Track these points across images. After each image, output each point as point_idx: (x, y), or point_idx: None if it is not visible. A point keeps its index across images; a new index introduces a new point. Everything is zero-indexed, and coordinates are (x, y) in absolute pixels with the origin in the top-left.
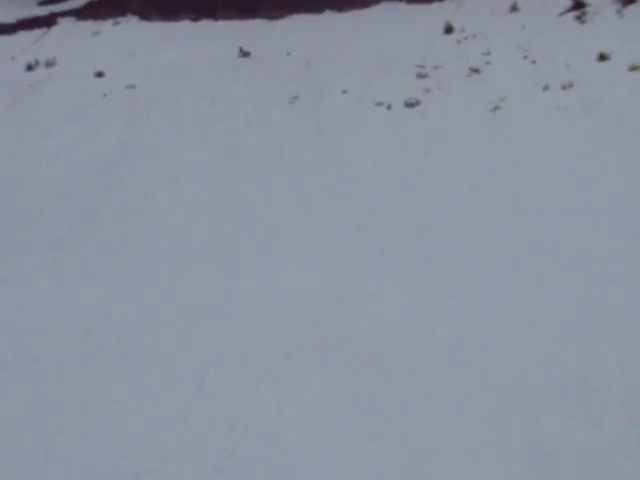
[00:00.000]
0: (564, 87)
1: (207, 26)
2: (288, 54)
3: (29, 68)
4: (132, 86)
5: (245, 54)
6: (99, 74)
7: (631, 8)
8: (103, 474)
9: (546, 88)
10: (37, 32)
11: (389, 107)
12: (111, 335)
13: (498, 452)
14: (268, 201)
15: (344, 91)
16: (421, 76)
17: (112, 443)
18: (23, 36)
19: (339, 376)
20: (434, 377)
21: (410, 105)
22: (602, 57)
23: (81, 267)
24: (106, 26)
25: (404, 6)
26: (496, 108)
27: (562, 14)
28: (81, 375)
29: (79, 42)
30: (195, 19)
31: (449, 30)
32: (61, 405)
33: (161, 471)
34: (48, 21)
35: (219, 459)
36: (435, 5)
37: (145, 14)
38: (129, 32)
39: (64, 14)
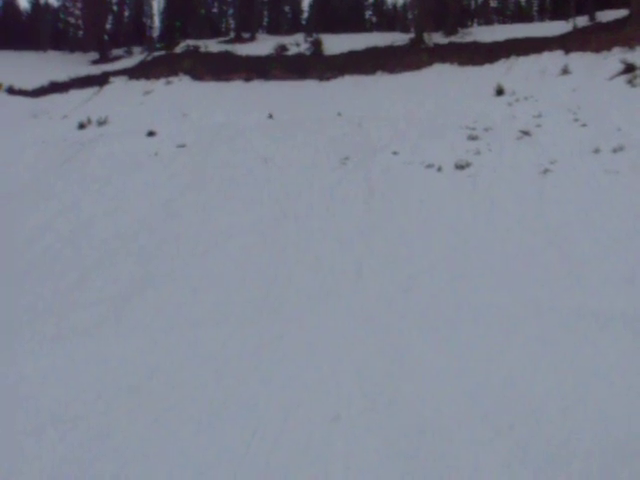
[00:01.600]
0: (614, 150)
1: (259, 86)
2: (339, 115)
3: (81, 126)
4: (183, 145)
5: (270, 117)
6: (151, 133)
7: None
8: None
9: (596, 151)
10: (89, 90)
11: (439, 169)
12: (157, 393)
13: None
14: (317, 263)
15: (395, 152)
16: (472, 138)
17: None
18: (76, 94)
19: (387, 441)
20: (480, 442)
21: (460, 167)
22: None
23: (130, 325)
24: (158, 85)
25: (455, 68)
26: (546, 171)
27: (613, 77)
28: (127, 433)
29: (131, 101)
30: (247, 79)
31: (500, 92)
32: (105, 467)
33: None
34: (100, 80)
35: None
36: (486, 67)
37: (197, 73)
38: (181, 91)
39: (116, 73)
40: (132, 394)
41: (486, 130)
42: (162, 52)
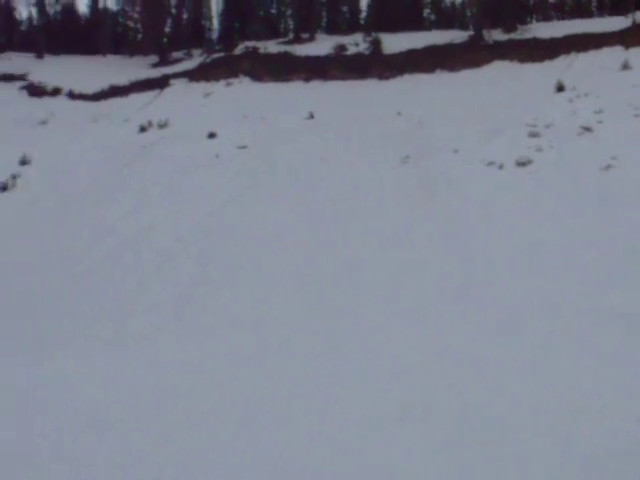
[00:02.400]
0: None
1: (318, 87)
2: (399, 114)
3: (142, 130)
4: (244, 147)
5: (305, 115)
6: (211, 135)
7: None
8: None
9: None
10: (150, 94)
11: (501, 166)
12: (216, 398)
13: None
14: (378, 262)
15: (455, 150)
16: (533, 135)
17: None
18: (136, 98)
19: (448, 441)
20: (542, 453)
21: (522, 164)
22: None
23: (189, 329)
24: (218, 87)
25: (515, 65)
26: (608, 167)
27: None
28: (185, 438)
29: (191, 103)
30: (306, 79)
31: (560, 88)
32: (168, 466)
33: None
34: (161, 83)
35: None
36: (546, 64)
37: (257, 74)
38: (241, 93)
39: (176, 75)
40: (190, 399)
41: (547, 127)
42: (221, 54)
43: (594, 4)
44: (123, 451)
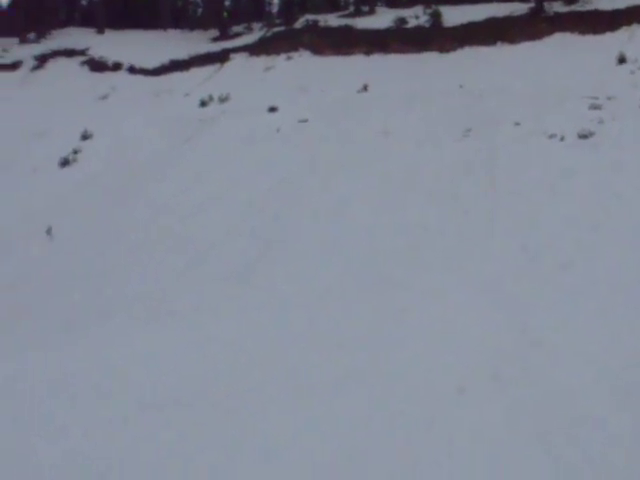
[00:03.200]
0: None
1: (379, 60)
2: (460, 87)
3: (203, 104)
4: (305, 120)
5: (365, 88)
6: (272, 109)
7: None
8: None
9: None
10: (210, 68)
11: (562, 139)
12: (268, 380)
13: None
14: (442, 232)
15: (517, 123)
16: (594, 107)
17: None
18: (196, 72)
19: (513, 412)
20: (612, 415)
21: (584, 137)
22: None
23: (233, 310)
24: (278, 61)
25: (576, 37)
26: None
27: None
28: (227, 422)
29: (252, 77)
30: (367, 52)
31: (622, 60)
32: (206, 453)
33: None
34: (221, 57)
35: None
36: (607, 35)
37: (317, 48)
38: (301, 66)
39: (236, 50)
40: (233, 380)
41: (609, 99)
42: (281, 28)
43: None
44: (170, 433)
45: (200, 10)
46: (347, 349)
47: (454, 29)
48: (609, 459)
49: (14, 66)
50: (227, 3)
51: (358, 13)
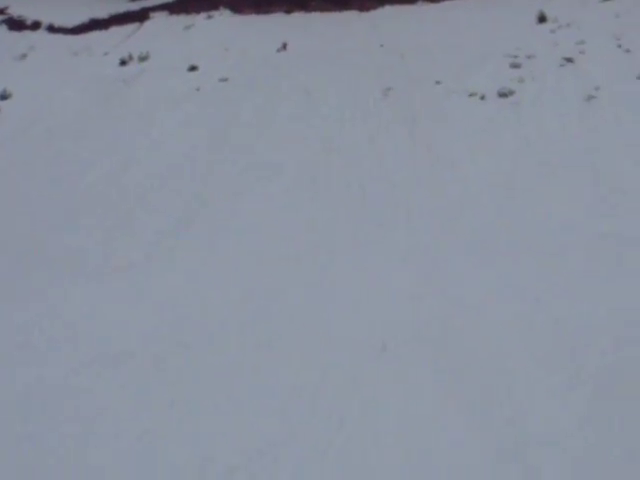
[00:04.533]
0: None
1: (299, 18)
2: (381, 46)
3: (122, 63)
4: (225, 79)
5: (284, 47)
6: (192, 68)
7: None
8: (202, 466)
9: None
10: (130, 27)
11: (482, 97)
12: (202, 331)
13: (594, 449)
14: (364, 194)
15: (437, 82)
16: (515, 66)
17: (210, 436)
18: (116, 31)
19: (434, 368)
20: (533, 370)
21: (504, 95)
22: None
23: (173, 264)
24: (198, 20)
25: None
26: (590, 97)
27: None
28: (178, 369)
29: (172, 36)
30: (288, 11)
31: (542, 19)
32: (160, 399)
33: (257, 463)
34: (140, 16)
35: (314, 455)
36: None
37: (237, 7)
38: (222, 25)
39: (156, 9)
40: (180, 330)
41: (529, 58)
42: None
43: None
44: (133, 382)
45: None
46: (274, 310)
47: None
48: (527, 419)
49: None
50: None
51: None
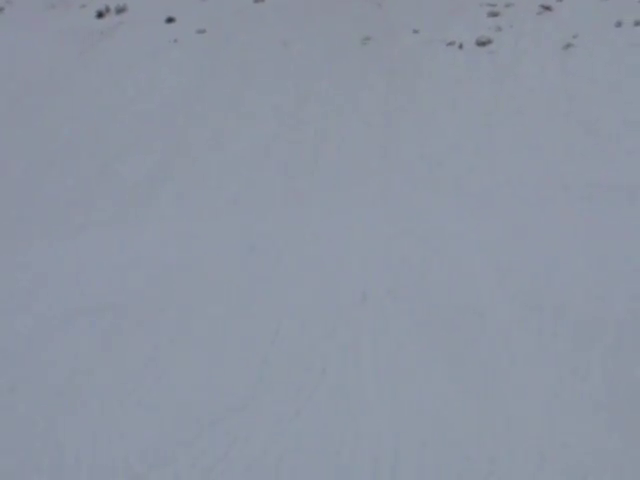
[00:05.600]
0: (637, 23)
1: None
2: None
3: (99, 15)
4: (203, 31)
5: None
6: (170, 20)
7: None
8: (181, 419)
9: (619, 24)
10: None
11: (460, 46)
12: (187, 278)
13: (573, 400)
14: (342, 143)
15: (415, 31)
16: (492, 14)
17: (189, 388)
18: None
19: (414, 318)
20: (511, 318)
21: (482, 44)
22: None
23: (156, 213)
24: None
25: None
26: (568, 45)
27: None
28: (158, 321)
29: None
30: None
31: None
32: (139, 351)
33: (240, 413)
34: None
35: (297, 401)
36: None
37: None
38: None
39: None
40: (161, 284)
41: (507, 6)
42: None
43: None
44: (95, 335)
45: None
46: (253, 260)
47: None
48: (507, 369)
49: None
50: None
51: None
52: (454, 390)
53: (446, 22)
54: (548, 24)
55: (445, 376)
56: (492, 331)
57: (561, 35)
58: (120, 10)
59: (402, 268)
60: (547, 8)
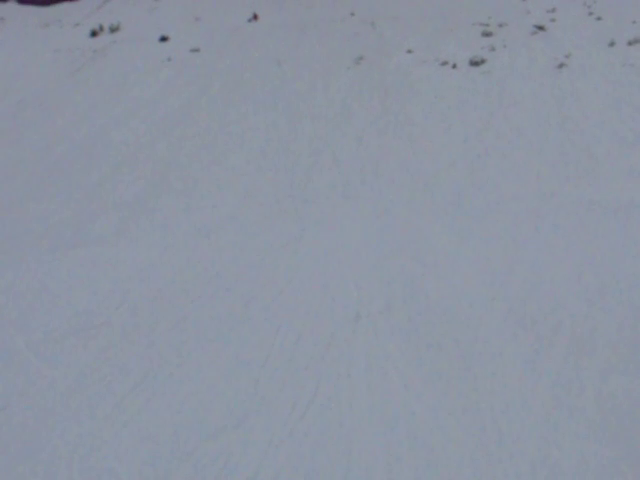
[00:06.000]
0: (630, 43)
1: None
2: (352, 15)
3: (93, 34)
4: (197, 49)
5: (255, 17)
6: (163, 38)
7: None
8: (175, 437)
9: (612, 44)
10: None
11: (454, 66)
12: (181, 297)
13: (567, 417)
14: (335, 162)
15: (409, 51)
16: (486, 34)
17: (183, 406)
18: (87, 2)
19: (407, 336)
20: (503, 335)
21: (475, 64)
22: None
23: (150, 230)
24: None
25: None
26: (562, 65)
27: None
28: (152, 338)
29: (143, 7)
30: None
31: None
32: (132, 370)
33: (235, 431)
34: None
35: (290, 420)
36: None
37: None
38: None
39: None
40: (156, 299)
41: (500, 26)
42: None
43: None
44: (88, 354)
45: None
46: (247, 278)
47: None
48: (497, 387)
49: None
50: None
51: None
52: (446, 408)
53: (440, 42)
54: (542, 44)
55: (437, 394)
56: (485, 348)
57: (554, 54)
58: (114, 29)
59: (395, 286)
60: (541, 28)
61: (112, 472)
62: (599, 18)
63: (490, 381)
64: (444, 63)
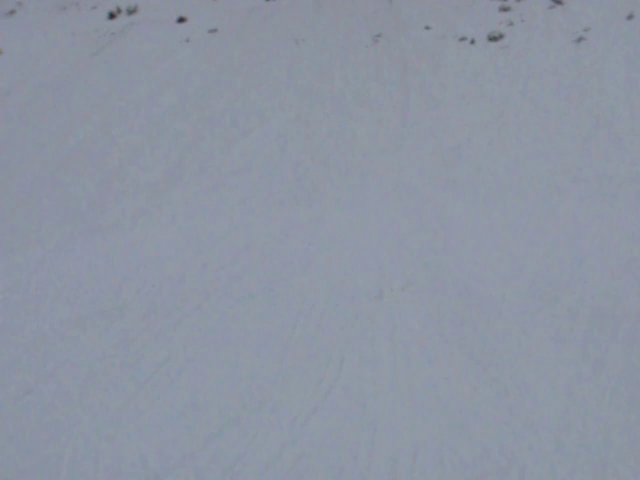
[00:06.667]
0: None
1: None
2: None
3: (111, 16)
4: (214, 30)
5: None
6: (181, 19)
7: None
8: (199, 418)
9: (630, 17)
10: None
11: (472, 41)
12: (202, 278)
13: (591, 392)
14: (355, 140)
15: (427, 27)
16: (504, 9)
17: (206, 387)
18: None
19: (430, 313)
20: (527, 310)
21: (494, 39)
22: None
23: (169, 214)
24: None
25: None
26: (580, 39)
27: None
28: (173, 320)
29: None
30: None
31: None
32: (154, 352)
33: (260, 410)
34: None
35: (315, 398)
36: None
37: None
38: None
39: None
40: (175, 282)
41: (518, 1)
42: None
43: None
44: (111, 336)
45: None
46: (270, 258)
47: None
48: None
49: None
50: None
51: None
52: (471, 384)
53: (457, 17)
54: (559, 18)
55: (461, 371)
56: (509, 323)
57: (573, 29)
58: (131, 11)
59: (417, 263)
60: (558, 2)
61: (137, 453)
62: None
63: (514, 356)
64: (462, 39)
